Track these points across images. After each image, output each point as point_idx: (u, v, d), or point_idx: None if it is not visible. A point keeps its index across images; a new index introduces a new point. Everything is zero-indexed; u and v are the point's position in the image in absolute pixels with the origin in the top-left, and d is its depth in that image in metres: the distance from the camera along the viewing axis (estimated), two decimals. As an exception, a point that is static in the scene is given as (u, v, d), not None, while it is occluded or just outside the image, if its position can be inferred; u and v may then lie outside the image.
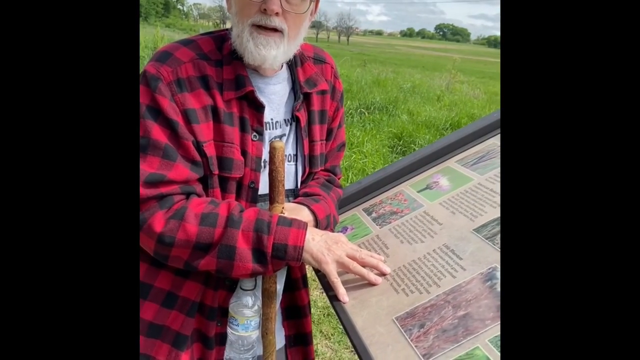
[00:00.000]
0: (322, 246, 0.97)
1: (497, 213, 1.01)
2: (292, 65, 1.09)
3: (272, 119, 1.05)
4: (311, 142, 1.10)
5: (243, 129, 1.00)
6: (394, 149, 5.98)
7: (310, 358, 1.19)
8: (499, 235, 0.95)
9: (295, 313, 1.16)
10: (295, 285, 1.15)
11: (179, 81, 0.95)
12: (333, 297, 0.97)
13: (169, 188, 0.92)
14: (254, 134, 1.01)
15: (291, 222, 0.95)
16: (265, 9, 0.94)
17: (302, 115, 1.08)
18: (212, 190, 0.99)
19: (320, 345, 2.67)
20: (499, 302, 0.80)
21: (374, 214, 1.23)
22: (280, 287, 1.11)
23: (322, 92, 1.13)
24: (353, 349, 1.12)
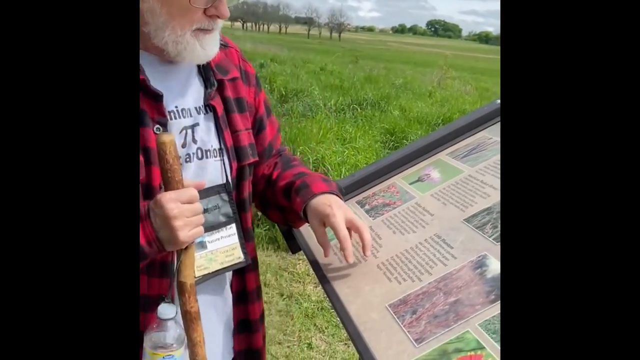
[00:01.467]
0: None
1: (487, 203, 1.04)
2: None
3: (176, 107, 0.94)
4: (234, 132, 1.01)
5: (141, 123, 0.87)
6: (386, 145, 6.01)
7: None
8: (489, 225, 0.98)
9: (247, 327, 1.09)
10: (248, 298, 1.08)
11: None
12: (326, 284, 1.00)
13: None
14: (157, 126, 0.89)
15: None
16: (215, 15, 0.89)
17: (218, 104, 0.98)
18: None
19: (314, 338, 2.70)
20: (488, 288, 0.83)
21: (367, 206, 1.25)
22: (223, 298, 1.05)
23: (233, 79, 1.04)
24: (348, 339, 1.13)
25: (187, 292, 0.84)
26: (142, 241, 0.82)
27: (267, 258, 3.52)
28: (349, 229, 0.99)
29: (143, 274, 0.91)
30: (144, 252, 0.83)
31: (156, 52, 0.91)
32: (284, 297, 3.09)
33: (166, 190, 0.83)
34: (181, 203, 0.81)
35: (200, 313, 0.98)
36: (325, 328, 2.81)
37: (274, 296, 3.09)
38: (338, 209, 0.99)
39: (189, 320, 0.85)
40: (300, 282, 3.28)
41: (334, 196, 1.03)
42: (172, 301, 0.86)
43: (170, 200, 0.80)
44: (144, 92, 0.88)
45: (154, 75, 0.91)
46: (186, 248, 0.85)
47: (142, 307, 0.90)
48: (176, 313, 0.85)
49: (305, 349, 2.63)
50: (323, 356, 2.58)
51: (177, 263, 0.86)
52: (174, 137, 0.81)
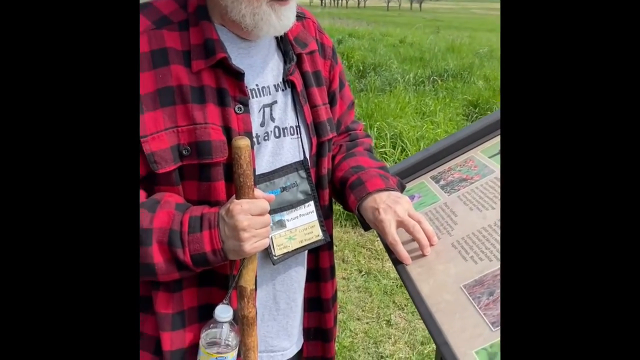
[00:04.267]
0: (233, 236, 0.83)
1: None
2: None
3: (257, 85, 0.92)
4: (313, 107, 0.98)
5: (222, 102, 0.86)
6: (469, 117, 5.77)
7: (329, 356, 1.11)
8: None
9: (317, 305, 1.08)
10: (321, 276, 1.07)
11: None
12: (398, 264, 0.96)
13: None
14: (238, 105, 0.87)
15: (201, 222, 0.83)
16: None
17: (297, 79, 0.96)
18: (189, 182, 0.87)
19: (393, 315, 2.68)
20: (575, 270, 0.76)
21: (442, 182, 1.19)
22: (300, 276, 1.04)
23: (311, 52, 1.01)
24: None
25: (246, 297, 0.86)
26: (208, 248, 0.82)
27: (345, 235, 3.52)
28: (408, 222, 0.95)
29: (194, 285, 0.91)
30: (207, 260, 0.83)
31: (233, 28, 0.89)
32: (363, 273, 3.09)
33: (237, 194, 0.83)
34: (252, 215, 0.82)
35: (277, 288, 1.00)
36: (405, 305, 2.78)
37: (352, 272, 3.10)
38: (387, 213, 0.95)
39: (246, 324, 0.86)
40: (378, 259, 3.26)
41: (388, 193, 0.99)
42: (230, 304, 0.87)
43: (242, 212, 0.81)
44: (226, 71, 0.87)
45: (235, 53, 0.89)
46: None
47: (222, 287, 0.91)
48: (232, 316, 0.86)
49: (384, 325, 2.61)
50: (402, 333, 2.56)
51: (239, 267, 0.87)
52: (249, 142, 0.81)
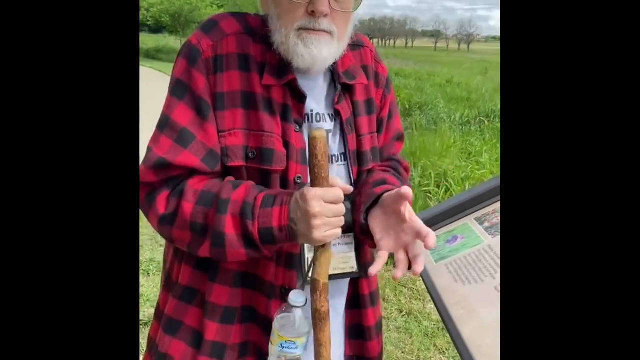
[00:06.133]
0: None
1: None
2: None
3: (312, 110, 0.95)
4: (358, 136, 0.99)
5: (285, 119, 0.91)
6: (517, 159, 5.65)
7: None
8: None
9: (359, 333, 1.07)
10: (361, 303, 1.06)
11: (217, 59, 0.88)
12: (440, 307, 0.96)
13: (175, 172, 0.87)
14: (296, 125, 0.91)
15: (274, 200, 0.84)
16: (313, 11, 0.86)
17: (344, 108, 0.98)
18: None
19: (434, 359, 2.61)
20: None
21: (486, 224, 1.18)
22: (340, 303, 1.03)
23: (363, 83, 1.02)
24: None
25: (319, 291, 0.84)
26: (275, 224, 0.83)
27: (387, 273, 3.48)
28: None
29: (272, 260, 0.93)
30: (274, 236, 0.84)
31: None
32: (403, 313, 3.03)
33: (312, 185, 0.82)
34: (325, 202, 0.81)
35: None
36: (446, 349, 2.70)
37: (393, 312, 3.05)
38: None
39: (318, 319, 0.84)
40: (420, 299, 3.19)
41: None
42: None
43: (315, 197, 0.80)
44: (292, 91, 0.92)
45: (301, 77, 0.93)
46: (324, 246, 0.85)
47: (267, 294, 0.93)
48: (305, 302, 0.86)
49: (424, 369, 2.54)
50: (443, 378, 2.48)
51: (311, 260, 0.87)
52: (325, 133, 0.79)
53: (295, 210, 0.82)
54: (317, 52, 0.88)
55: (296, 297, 0.86)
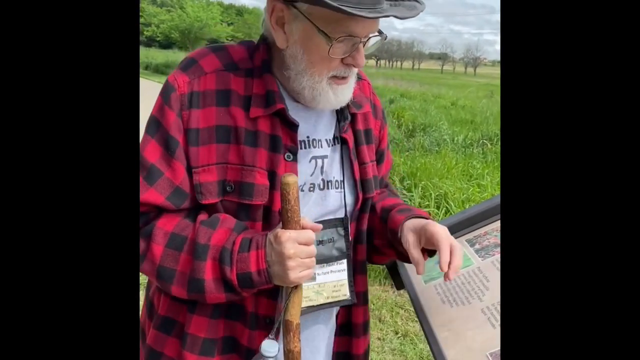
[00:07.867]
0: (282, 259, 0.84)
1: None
2: None
3: (308, 137, 0.96)
4: (362, 164, 1.01)
5: (274, 149, 0.90)
6: (519, 183, 5.63)
7: None
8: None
9: None
10: (353, 331, 1.06)
11: (192, 95, 0.89)
12: (426, 328, 0.95)
13: (142, 209, 0.88)
14: (288, 153, 0.91)
15: (249, 244, 0.86)
16: (351, 64, 0.89)
17: (349, 137, 1.00)
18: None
19: (427, 383, 2.57)
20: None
21: (477, 246, 1.18)
22: (326, 329, 1.04)
23: (365, 113, 1.06)
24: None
25: (292, 332, 0.86)
26: (253, 268, 0.84)
27: (384, 294, 3.46)
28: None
29: (223, 316, 0.94)
30: (252, 280, 0.85)
31: (292, 94, 0.94)
32: (399, 335, 3.00)
33: (284, 228, 0.84)
34: (298, 244, 0.83)
35: (303, 341, 0.99)
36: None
37: (389, 333, 3.02)
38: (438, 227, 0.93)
39: (291, 359, 0.86)
40: (416, 321, 3.16)
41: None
42: (276, 339, 0.86)
43: (289, 240, 0.82)
44: (282, 120, 0.92)
45: (292, 105, 0.94)
46: (296, 287, 0.86)
47: (249, 325, 0.93)
48: (278, 351, 0.86)
49: (418, 392, 2.51)
50: (436, 403, 2.44)
51: (285, 301, 0.87)
52: (297, 178, 0.82)
53: (270, 252, 0.84)
54: (343, 99, 0.93)
55: (268, 346, 0.85)
